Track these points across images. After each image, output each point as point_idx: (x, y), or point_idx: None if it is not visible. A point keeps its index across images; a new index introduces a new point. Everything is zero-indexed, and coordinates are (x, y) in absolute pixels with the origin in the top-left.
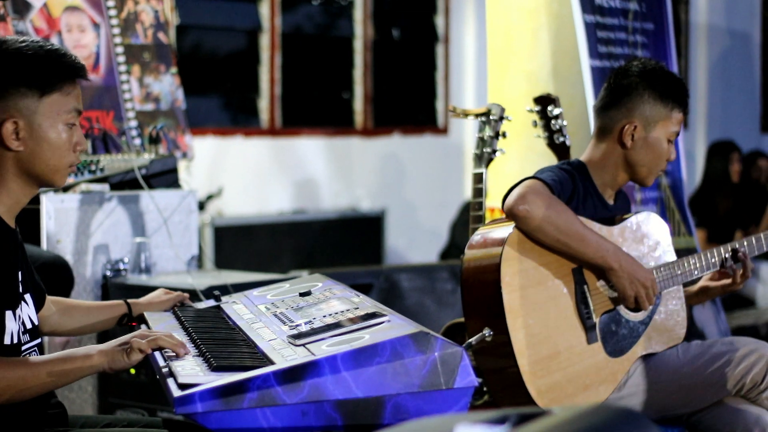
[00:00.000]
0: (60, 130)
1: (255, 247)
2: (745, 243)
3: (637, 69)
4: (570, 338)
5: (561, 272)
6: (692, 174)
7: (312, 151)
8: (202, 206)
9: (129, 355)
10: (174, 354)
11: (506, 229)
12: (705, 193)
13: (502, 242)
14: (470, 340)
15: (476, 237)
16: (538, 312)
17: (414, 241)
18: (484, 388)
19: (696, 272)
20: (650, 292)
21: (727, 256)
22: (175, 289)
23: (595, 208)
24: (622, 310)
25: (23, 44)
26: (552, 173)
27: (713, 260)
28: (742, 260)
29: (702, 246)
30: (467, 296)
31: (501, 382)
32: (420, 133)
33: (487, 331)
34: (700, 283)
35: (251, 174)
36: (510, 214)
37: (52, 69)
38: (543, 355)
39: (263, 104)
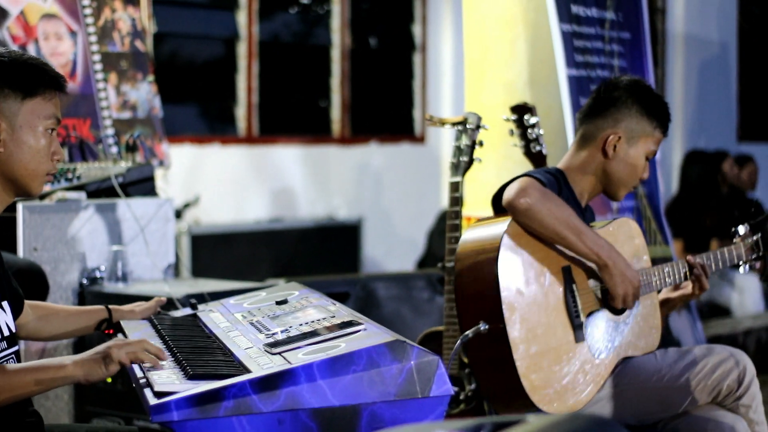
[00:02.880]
0: (40, 135)
1: (232, 255)
2: (712, 257)
3: (626, 82)
4: (560, 336)
5: (553, 269)
6: (668, 183)
7: (289, 159)
8: (179, 214)
9: (107, 367)
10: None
11: (502, 224)
12: (683, 203)
13: (499, 236)
14: (467, 332)
15: (470, 233)
16: (532, 307)
17: (391, 249)
18: (461, 397)
19: (669, 281)
20: (637, 293)
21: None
22: (152, 297)
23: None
24: (607, 312)
25: (5, 51)
26: (540, 175)
27: (685, 270)
28: (697, 275)
29: (679, 256)
30: (461, 292)
31: (494, 377)
32: (397, 141)
33: (483, 324)
34: (662, 295)
35: (228, 182)
36: (510, 207)
37: (34, 75)
38: (536, 350)
39: (240, 112)
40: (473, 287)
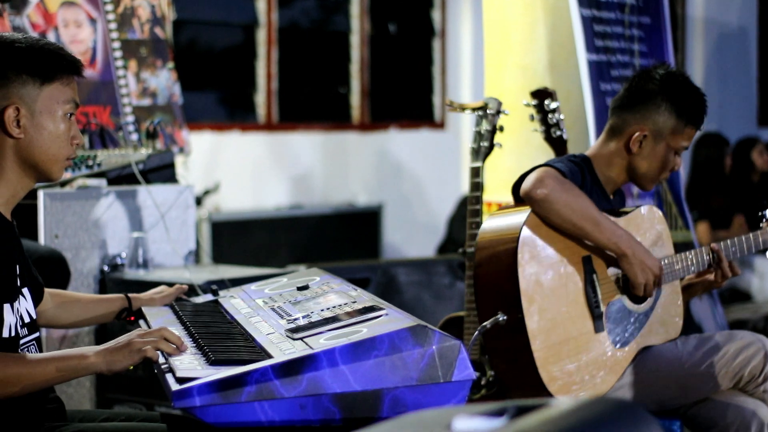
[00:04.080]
0: (59, 119)
1: (252, 242)
2: (737, 242)
3: (660, 76)
4: (579, 326)
5: (572, 260)
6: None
7: (309, 145)
8: (199, 201)
9: (130, 358)
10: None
11: (522, 215)
12: (696, 186)
13: (518, 227)
14: (485, 323)
15: (489, 222)
16: (551, 298)
17: (410, 235)
18: (482, 382)
19: (692, 268)
20: (658, 281)
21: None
22: (174, 284)
23: (599, 202)
24: (627, 301)
25: (23, 37)
26: (563, 164)
27: (707, 257)
28: (717, 262)
29: (705, 237)
30: (480, 280)
31: (513, 367)
32: (417, 127)
33: (501, 315)
34: (684, 281)
35: (248, 169)
36: (527, 198)
37: (52, 60)
38: (554, 341)
39: (260, 99)
40: (492, 277)
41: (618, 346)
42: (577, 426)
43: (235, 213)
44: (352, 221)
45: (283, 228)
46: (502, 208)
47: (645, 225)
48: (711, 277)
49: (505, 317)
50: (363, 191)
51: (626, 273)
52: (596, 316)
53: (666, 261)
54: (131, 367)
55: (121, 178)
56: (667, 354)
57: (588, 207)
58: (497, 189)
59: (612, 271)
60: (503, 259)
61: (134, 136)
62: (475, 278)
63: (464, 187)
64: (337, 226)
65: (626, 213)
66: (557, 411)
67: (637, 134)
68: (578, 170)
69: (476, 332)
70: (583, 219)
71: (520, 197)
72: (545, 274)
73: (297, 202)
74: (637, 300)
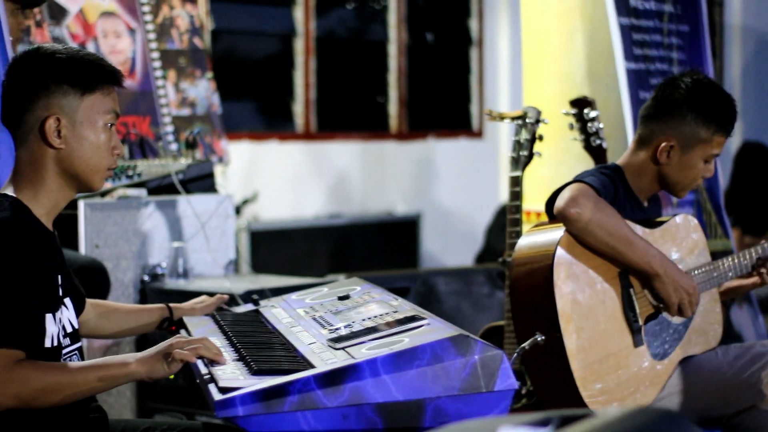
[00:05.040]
0: (99, 129)
1: (290, 251)
2: None
3: (685, 85)
4: (618, 342)
5: (608, 276)
6: (727, 176)
7: (347, 155)
8: (237, 211)
9: (170, 365)
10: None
11: (557, 233)
12: (736, 194)
13: (553, 245)
14: (523, 345)
15: (524, 240)
16: (588, 316)
17: (448, 245)
18: (522, 392)
19: (730, 274)
20: (693, 300)
21: (756, 258)
22: (214, 293)
23: (632, 211)
24: (665, 313)
25: (63, 48)
26: (594, 177)
27: (745, 262)
28: (764, 263)
29: (737, 241)
30: (516, 299)
31: (552, 387)
32: (454, 136)
33: (539, 336)
34: (731, 282)
35: (286, 178)
36: (561, 217)
37: (92, 70)
38: (594, 359)
39: (298, 108)
40: (528, 297)
41: (658, 359)
42: None
43: (274, 222)
44: (390, 230)
45: (322, 237)
46: (537, 225)
47: (681, 234)
48: (750, 280)
49: (543, 337)
50: (401, 200)
51: (659, 293)
52: (635, 331)
53: (703, 270)
54: (172, 376)
55: (161, 188)
56: (707, 364)
57: (621, 227)
58: (536, 198)
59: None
60: (539, 278)
61: (173, 146)
62: (512, 296)
63: (502, 196)
64: (375, 235)
65: (661, 223)
66: (603, 421)
67: (663, 144)
68: (610, 182)
69: (514, 354)
70: (615, 238)
71: (554, 214)
72: (582, 291)
73: (335, 212)
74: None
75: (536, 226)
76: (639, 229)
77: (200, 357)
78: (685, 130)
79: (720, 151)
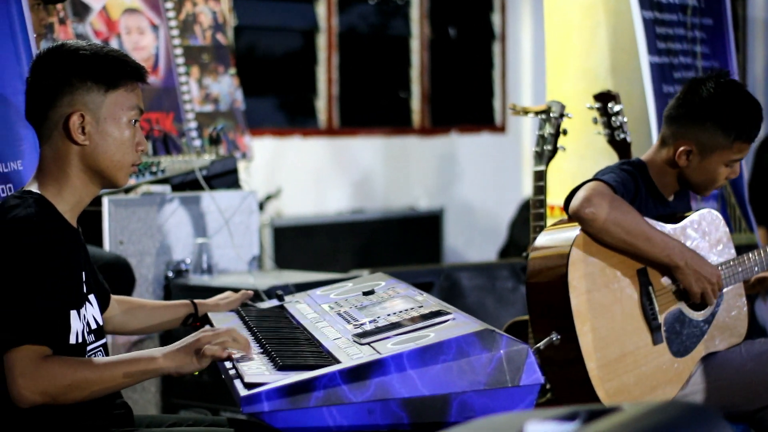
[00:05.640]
0: (124, 126)
1: (313, 246)
2: None
3: (707, 91)
4: (636, 340)
5: (626, 273)
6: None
7: (370, 150)
8: (261, 207)
9: (199, 361)
10: (240, 354)
11: (572, 232)
12: (758, 189)
13: (568, 245)
14: (538, 344)
15: (541, 239)
16: (604, 315)
17: (471, 239)
18: (547, 386)
19: (756, 269)
20: (716, 288)
21: None
22: (238, 289)
23: (656, 207)
24: (686, 309)
25: (87, 44)
26: (614, 174)
27: None
28: None
29: (764, 242)
30: (533, 299)
31: (568, 386)
32: (477, 131)
33: (555, 335)
34: (759, 275)
35: (309, 174)
36: (576, 217)
37: (116, 66)
38: (611, 358)
39: (321, 104)
40: (543, 296)
41: (678, 356)
42: (651, 429)
43: (297, 218)
44: (413, 225)
45: (345, 233)
46: (554, 223)
47: (704, 228)
48: None
49: (559, 337)
50: (424, 195)
51: (682, 284)
52: (654, 328)
53: (727, 265)
54: (197, 372)
55: (185, 184)
56: (731, 360)
57: (638, 223)
58: (560, 192)
59: (668, 281)
60: (555, 278)
61: (197, 142)
62: (528, 296)
63: (525, 191)
64: (398, 230)
65: (685, 217)
66: (630, 415)
67: (682, 149)
68: (631, 179)
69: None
70: (632, 235)
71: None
72: (598, 291)
73: (358, 207)
74: (697, 307)
75: (554, 224)
76: (659, 225)
77: (230, 356)
78: (703, 137)
79: (743, 156)
